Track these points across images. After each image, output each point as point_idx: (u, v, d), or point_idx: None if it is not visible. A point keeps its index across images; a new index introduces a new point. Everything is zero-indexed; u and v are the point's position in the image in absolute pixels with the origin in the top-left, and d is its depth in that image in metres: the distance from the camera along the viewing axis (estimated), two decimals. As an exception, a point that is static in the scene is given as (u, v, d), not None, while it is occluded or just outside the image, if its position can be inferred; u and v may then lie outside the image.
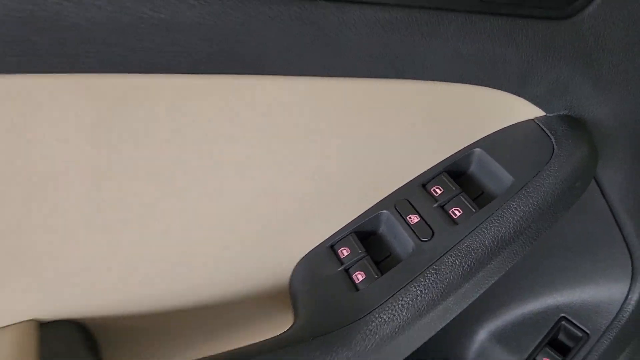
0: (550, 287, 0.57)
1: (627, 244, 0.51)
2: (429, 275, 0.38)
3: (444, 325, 0.40)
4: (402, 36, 0.31)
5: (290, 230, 0.43)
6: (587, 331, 0.55)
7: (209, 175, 0.35)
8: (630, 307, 0.54)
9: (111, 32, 0.25)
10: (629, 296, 0.54)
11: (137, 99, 0.30)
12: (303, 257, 0.44)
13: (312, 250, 0.44)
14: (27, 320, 0.37)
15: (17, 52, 0.24)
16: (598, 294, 0.55)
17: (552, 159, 0.40)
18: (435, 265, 0.38)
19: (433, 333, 0.40)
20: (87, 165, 0.31)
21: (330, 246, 0.43)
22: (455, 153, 0.44)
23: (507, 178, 0.41)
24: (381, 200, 0.44)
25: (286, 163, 0.37)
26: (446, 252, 0.38)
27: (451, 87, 0.38)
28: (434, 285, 0.38)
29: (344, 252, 0.42)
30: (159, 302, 0.40)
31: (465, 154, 0.43)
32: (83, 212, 0.33)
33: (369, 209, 0.44)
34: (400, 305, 0.38)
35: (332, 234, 0.44)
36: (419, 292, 0.38)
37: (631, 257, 0.52)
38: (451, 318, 0.40)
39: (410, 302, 0.38)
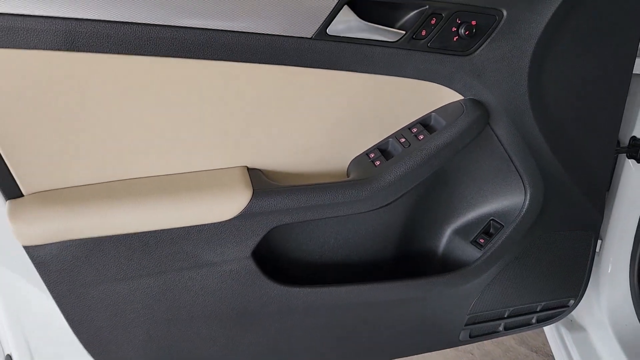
0: (484, 201, 1.06)
1: (518, 172, 1.01)
2: (407, 158, 0.90)
3: (416, 182, 0.92)
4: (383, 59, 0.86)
5: (347, 146, 0.96)
6: (503, 224, 1.04)
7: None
8: (524, 210, 1.02)
9: None
10: (523, 203, 1.02)
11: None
12: (352, 159, 0.98)
13: (356, 156, 0.97)
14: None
15: None
16: (508, 203, 1.04)
17: (462, 115, 0.92)
18: (410, 155, 0.91)
19: (411, 185, 0.91)
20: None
21: (366, 154, 0.96)
22: (424, 115, 0.96)
23: (444, 123, 0.93)
24: (389, 135, 0.97)
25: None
26: (415, 149, 0.91)
27: (419, 82, 0.92)
28: (409, 161, 0.90)
29: (372, 155, 0.95)
30: (293, 167, 0.96)
31: (428, 115, 0.96)
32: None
33: (383, 139, 0.97)
34: (393, 170, 0.90)
35: (366, 149, 0.97)
36: (402, 165, 0.90)
37: (522, 181, 1.01)
38: (424, 175, 0.91)
39: (400, 165, 0.90)
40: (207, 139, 0.85)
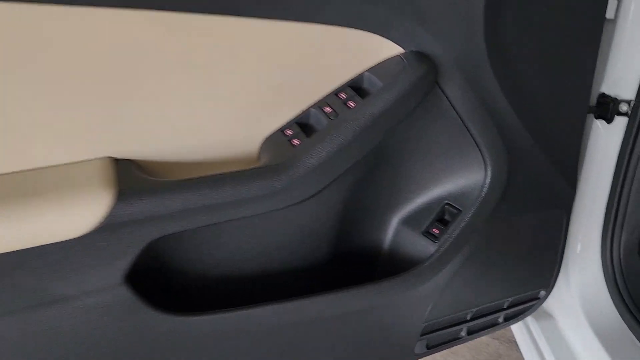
0: (436, 182, 0.85)
1: (476, 144, 0.80)
2: (333, 134, 0.67)
3: (347, 165, 0.69)
4: None
5: (256, 121, 0.72)
6: (460, 209, 0.84)
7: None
8: (485, 190, 0.82)
9: None
10: (484, 182, 0.82)
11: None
12: (264, 139, 0.74)
13: (269, 134, 0.74)
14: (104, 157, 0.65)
15: None
16: (466, 183, 0.84)
17: (403, 72, 0.70)
18: (336, 129, 0.68)
19: (342, 169, 0.68)
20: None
21: (281, 131, 0.73)
22: (355, 75, 0.74)
23: (379, 84, 0.70)
24: (311, 105, 0.74)
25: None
26: (345, 121, 0.68)
27: (346, 31, 0.69)
28: (336, 138, 0.67)
29: (289, 132, 0.72)
30: (181, 155, 0.70)
31: (360, 75, 0.73)
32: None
33: (303, 111, 0.74)
34: (317, 150, 0.67)
35: (282, 124, 0.74)
36: (327, 143, 0.67)
37: (481, 154, 0.81)
38: (358, 154, 0.68)
39: (325, 143, 0.67)
40: (53, 122, 0.59)
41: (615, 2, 0.89)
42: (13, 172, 0.60)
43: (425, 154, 0.82)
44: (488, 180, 0.81)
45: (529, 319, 1.23)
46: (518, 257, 0.91)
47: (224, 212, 0.64)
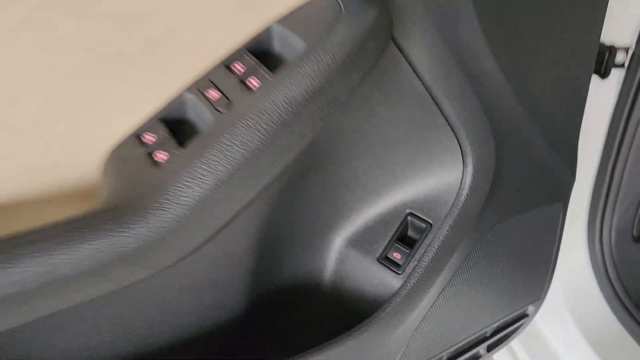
0: (394, 185, 0.58)
1: (451, 127, 0.53)
2: (225, 140, 0.38)
3: (255, 192, 0.40)
4: None
5: (93, 123, 0.41)
6: (430, 221, 0.57)
7: None
8: (465, 192, 0.56)
9: None
10: (463, 180, 0.56)
11: None
12: (110, 152, 0.43)
13: (117, 144, 0.43)
14: None
15: None
16: (437, 184, 0.57)
17: (339, 23, 0.40)
18: (230, 131, 0.38)
19: (246, 199, 0.40)
20: None
21: (136, 135, 0.42)
22: (258, 32, 0.44)
23: (301, 45, 0.41)
24: (186, 88, 0.43)
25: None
26: (240, 117, 0.38)
27: None
28: (231, 148, 0.38)
29: (150, 138, 0.41)
30: None
31: (267, 30, 0.43)
32: None
33: (176, 96, 0.43)
34: (198, 174, 0.37)
35: (137, 125, 0.43)
36: (215, 158, 0.38)
37: (458, 141, 0.54)
38: (263, 183, 0.40)
39: (209, 163, 0.37)
40: None
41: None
42: None
43: (376, 147, 0.54)
44: (469, 178, 0.55)
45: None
46: (506, 274, 0.67)
47: (54, 302, 0.34)
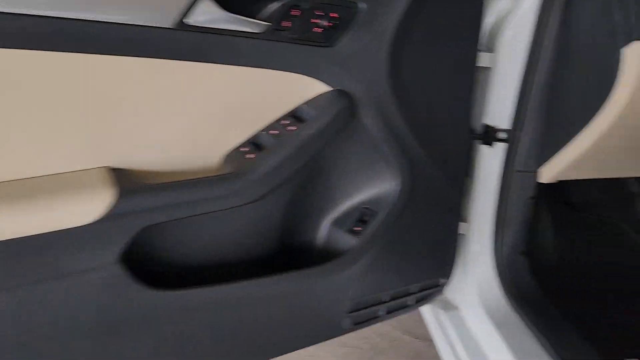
0: (358, 190, 1.09)
1: (387, 160, 1.05)
2: (279, 149, 0.90)
3: (290, 173, 0.92)
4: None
5: (219, 140, 0.94)
6: (376, 211, 1.08)
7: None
8: (395, 195, 1.06)
9: None
10: (394, 189, 1.06)
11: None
12: (226, 154, 0.95)
13: (229, 150, 0.95)
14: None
15: None
16: (380, 190, 1.08)
17: (330, 106, 0.94)
18: (284, 145, 0.91)
19: (287, 175, 0.91)
20: None
21: (238, 148, 0.95)
22: (294, 107, 0.97)
23: (313, 114, 0.94)
24: (261, 129, 0.96)
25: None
26: (287, 141, 0.91)
27: (287, 74, 0.92)
28: (281, 151, 0.90)
29: (244, 149, 0.94)
30: (162, 166, 0.90)
31: (299, 107, 0.97)
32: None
33: (257, 132, 0.96)
34: (266, 160, 0.89)
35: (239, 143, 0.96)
36: (274, 155, 0.90)
37: (391, 167, 1.05)
38: (297, 165, 0.91)
39: (272, 156, 0.89)
40: (63, 139, 0.79)
41: (489, 54, 1.19)
42: (35, 177, 0.78)
43: (349, 168, 1.06)
44: (397, 189, 1.06)
45: (440, 312, 1.47)
46: (421, 250, 1.16)
47: (196, 207, 0.85)
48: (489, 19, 1.16)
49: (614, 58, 0.96)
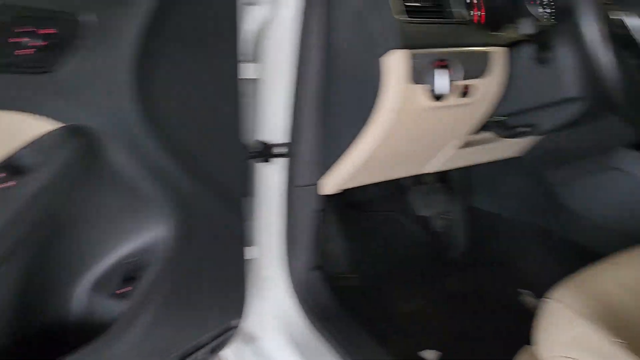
0: (119, 243, 0.88)
1: (149, 201, 0.86)
2: None
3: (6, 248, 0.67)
4: None
5: None
6: (146, 264, 0.89)
7: None
8: (168, 240, 0.87)
9: None
10: (165, 233, 0.87)
11: None
12: None
13: None
14: None
15: None
16: (148, 239, 0.89)
17: (60, 147, 0.71)
18: None
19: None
20: None
21: None
22: (9, 155, 0.72)
23: (38, 160, 0.71)
24: None
25: None
26: None
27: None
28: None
29: None
30: None
31: (16, 154, 0.72)
32: None
33: None
34: None
35: None
36: None
37: (155, 209, 0.87)
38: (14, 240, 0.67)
39: None
40: None
41: (255, 65, 1.08)
42: None
43: (101, 219, 0.85)
44: (168, 232, 0.88)
45: (242, 347, 1.35)
46: (206, 295, 1.01)
47: None
48: (251, 27, 1.06)
49: (376, 68, 0.93)
